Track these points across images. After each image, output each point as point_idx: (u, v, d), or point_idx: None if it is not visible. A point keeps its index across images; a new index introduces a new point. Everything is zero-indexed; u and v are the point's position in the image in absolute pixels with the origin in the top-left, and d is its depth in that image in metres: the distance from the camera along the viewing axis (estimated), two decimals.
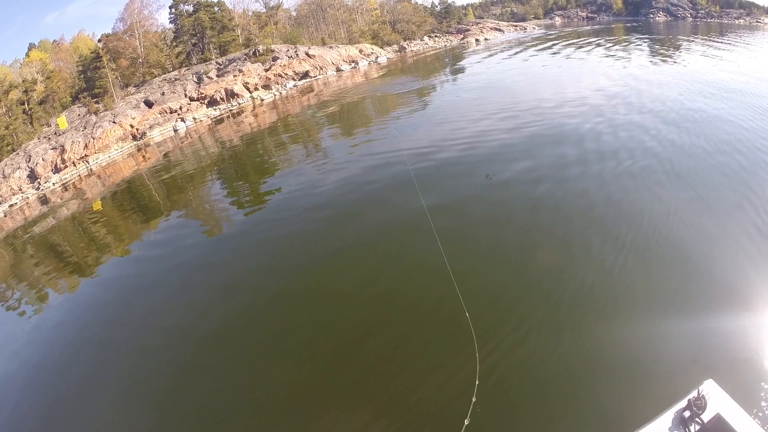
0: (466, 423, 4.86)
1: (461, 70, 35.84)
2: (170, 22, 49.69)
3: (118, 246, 15.39)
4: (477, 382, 5.62)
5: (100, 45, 45.90)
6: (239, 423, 6.46)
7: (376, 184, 13.95)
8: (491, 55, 41.20)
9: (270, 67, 41.57)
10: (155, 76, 42.34)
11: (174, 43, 48.42)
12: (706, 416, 3.67)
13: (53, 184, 29.87)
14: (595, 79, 23.15)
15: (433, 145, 16.02)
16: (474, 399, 5.28)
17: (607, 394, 5.53)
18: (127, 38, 46.54)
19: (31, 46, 52.03)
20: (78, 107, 39.35)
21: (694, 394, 3.76)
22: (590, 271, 7.90)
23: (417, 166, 13.98)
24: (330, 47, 50.73)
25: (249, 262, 11.22)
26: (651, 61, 27.99)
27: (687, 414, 3.70)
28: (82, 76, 42.50)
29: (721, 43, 31.77)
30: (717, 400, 3.75)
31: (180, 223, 15.66)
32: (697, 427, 3.64)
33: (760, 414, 4.02)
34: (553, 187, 11.13)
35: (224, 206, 16.05)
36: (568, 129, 14.94)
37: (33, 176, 30.50)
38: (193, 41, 47.49)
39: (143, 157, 30.33)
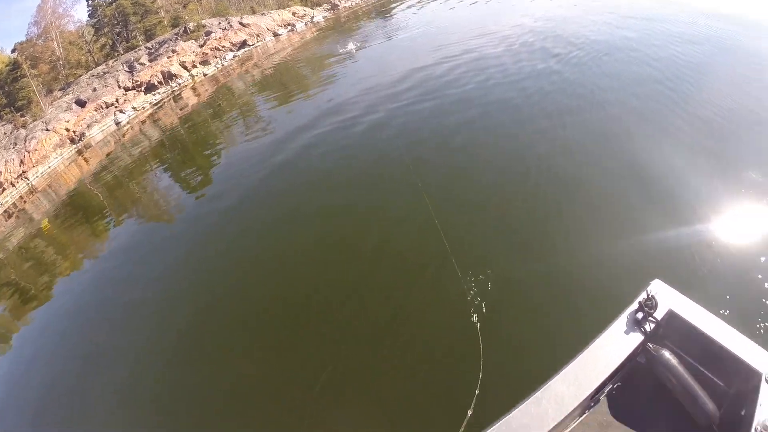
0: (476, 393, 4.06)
1: (400, 19, 32.44)
2: (89, 16, 44.11)
3: (74, 261, 12.98)
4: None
5: (15, 55, 40.27)
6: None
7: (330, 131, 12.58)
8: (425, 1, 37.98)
9: (205, 43, 37.10)
10: (80, 76, 37.29)
11: (95, 37, 42.88)
12: (659, 314, 3.57)
13: None
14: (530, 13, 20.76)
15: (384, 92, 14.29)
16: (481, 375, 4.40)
17: (561, 311, 5.35)
18: (42, 42, 40.97)
19: None
20: (2, 125, 34.32)
21: (643, 295, 3.61)
22: (538, 190, 7.60)
23: (376, 115, 12.53)
24: (262, 14, 46.11)
25: (213, 244, 9.65)
26: None
27: (640, 315, 3.60)
28: (0, 91, 37.10)
29: None
30: (666, 297, 3.67)
31: (134, 222, 13.39)
32: (652, 326, 3.56)
33: (709, 302, 3.61)
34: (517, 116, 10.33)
35: (177, 192, 13.90)
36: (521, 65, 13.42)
37: None
38: (117, 30, 42.16)
39: (85, 159, 26.38)
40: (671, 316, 3.63)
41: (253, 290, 7.63)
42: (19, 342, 10.05)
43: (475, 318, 4.73)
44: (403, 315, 6.01)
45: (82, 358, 7.98)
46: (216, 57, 35.72)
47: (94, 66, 38.71)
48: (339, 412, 5.09)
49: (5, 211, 25.02)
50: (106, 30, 42.33)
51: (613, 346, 3.50)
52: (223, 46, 36.83)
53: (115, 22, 42.39)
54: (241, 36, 38.38)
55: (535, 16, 18.76)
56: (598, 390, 3.43)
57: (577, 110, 9.86)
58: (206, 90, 29.93)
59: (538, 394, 3.31)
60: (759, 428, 2.86)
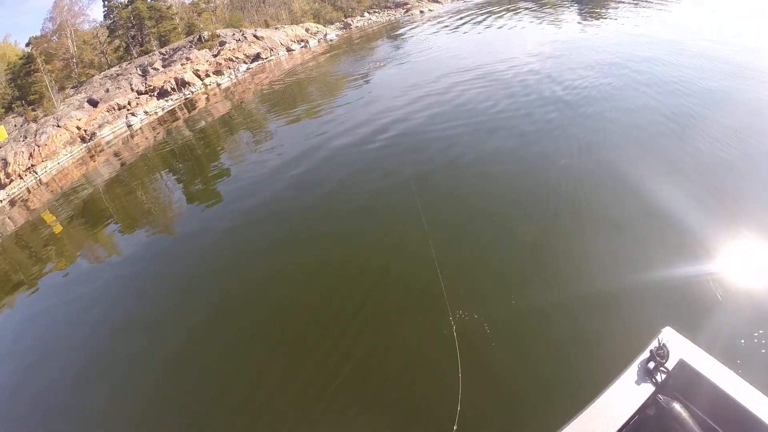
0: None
1: (409, 42, 33.63)
2: (104, 16, 44.60)
3: (73, 259, 13.04)
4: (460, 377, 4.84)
5: (29, 49, 40.54)
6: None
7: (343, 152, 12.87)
8: (437, 25, 39.07)
9: (219, 53, 37.76)
10: (93, 76, 37.61)
11: (109, 38, 43.31)
12: (670, 364, 3.49)
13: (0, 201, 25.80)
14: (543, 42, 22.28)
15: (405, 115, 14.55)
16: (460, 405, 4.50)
17: (570, 359, 5.22)
18: (57, 39, 41.32)
19: None
20: (13, 117, 34.35)
21: (654, 344, 3.55)
22: (542, 230, 7.38)
23: (384, 135, 12.95)
24: (276, 28, 46.98)
25: (211, 260, 9.68)
26: (583, 23, 26.16)
27: (651, 365, 3.51)
28: (13, 84, 37.24)
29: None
30: (678, 346, 3.60)
31: (137, 228, 13.48)
32: (663, 376, 3.48)
33: (720, 353, 3.61)
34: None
35: (182, 203, 14.12)
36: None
37: None
38: (131, 33, 42.67)
39: (95, 159, 26.61)
40: (682, 366, 3.54)
41: (246, 311, 7.62)
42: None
43: (459, 364, 4.76)
44: (387, 351, 5.91)
45: (77, 367, 7.75)
46: (230, 68, 36.37)
47: (107, 67, 39.10)
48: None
49: (11, 201, 25.22)
50: (120, 32, 42.76)
51: (623, 397, 3.43)
52: (237, 58, 37.50)
53: (130, 24, 42.85)
54: (255, 49, 39.11)
55: (532, 50, 19.63)
56: None
57: (585, 143, 9.88)
58: (219, 100, 30.39)
59: None
60: None
